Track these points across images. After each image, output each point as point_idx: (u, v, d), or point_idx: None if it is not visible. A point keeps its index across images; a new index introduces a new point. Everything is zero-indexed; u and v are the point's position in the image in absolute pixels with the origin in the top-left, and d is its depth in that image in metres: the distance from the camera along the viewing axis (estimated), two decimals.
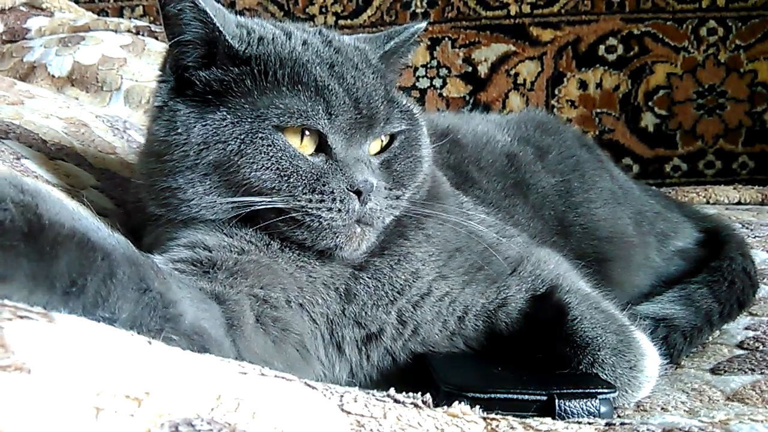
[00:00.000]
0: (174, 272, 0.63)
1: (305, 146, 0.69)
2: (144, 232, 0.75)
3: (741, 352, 0.87)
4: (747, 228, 1.53)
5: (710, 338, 0.94)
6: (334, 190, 0.68)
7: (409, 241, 0.75)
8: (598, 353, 0.68)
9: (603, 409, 0.62)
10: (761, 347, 0.86)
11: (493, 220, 0.85)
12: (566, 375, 0.67)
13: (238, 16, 0.76)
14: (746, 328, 0.94)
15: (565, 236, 0.97)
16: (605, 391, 0.62)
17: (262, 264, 0.68)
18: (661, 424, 0.52)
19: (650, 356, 0.71)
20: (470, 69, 2.19)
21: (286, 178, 0.67)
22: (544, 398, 0.60)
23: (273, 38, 0.72)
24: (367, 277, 0.72)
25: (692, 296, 0.96)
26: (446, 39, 2.18)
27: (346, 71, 0.71)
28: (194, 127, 0.68)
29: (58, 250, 0.46)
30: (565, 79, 2.18)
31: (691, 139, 2.18)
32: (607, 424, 0.53)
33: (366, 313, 0.72)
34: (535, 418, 0.54)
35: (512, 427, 0.50)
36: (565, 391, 0.61)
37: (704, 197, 1.92)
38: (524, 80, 2.19)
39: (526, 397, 0.60)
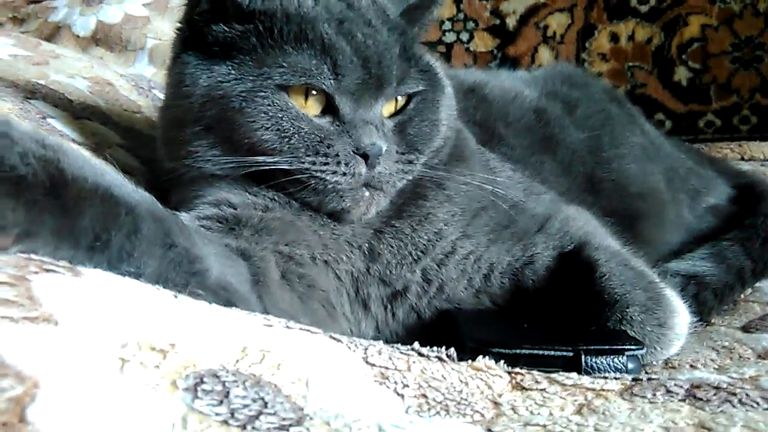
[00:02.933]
0: (200, 229, 0.63)
1: (310, 106, 0.67)
2: (170, 189, 0.76)
3: None
4: None
5: (742, 296, 0.92)
6: (339, 153, 0.66)
7: (429, 202, 0.74)
8: (627, 310, 0.67)
9: (630, 365, 0.61)
10: None
11: (519, 176, 0.83)
12: (593, 332, 0.66)
13: None
14: None
15: (595, 193, 0.96)
16: (633, 347, 0.62)
17: (286, 221, 0.69)
18: (689, 379, 0.51)
19: (680, 313, 0.70)
20: (498, 22, 2.13)
21: (287, 139, 0.65)
22: (571, 354, 0.60)
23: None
24: (390, 238, 0.72)
25: (724, 253, 0.94)
26: None
27: (356, 28, 0.68)
28: (200, 79, 0.67)
29: (82, 206, 0.47)
30: (596, 32, 2.11)
31: (725, 93, 2.10)
32: (633, 380, 0.52)
33: (390, 271, 0.72)
34: (561, 373, 0.53)
35: (537, 381, 0.50)
36: (592, 347, 0.60)
37: (738, 153, 1.86)
38: (554, 33, 2.12)
39: (552, 353, 0.60)
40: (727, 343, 0.77)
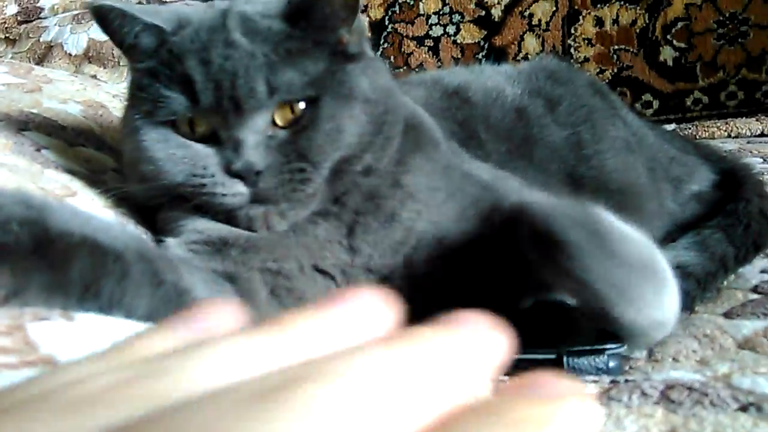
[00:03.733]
0: (186, 257, 0.66)
1: (198, 131, 0.72)
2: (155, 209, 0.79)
3: (755, 296, 0.88)
4: None
5: (725, 282, 0.95)
6: (215, 174, 0.69)
7: (390, 201, 0.74)
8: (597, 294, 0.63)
9: (611, 364, 0.64)
10: None
11: (486, 166, 0.84)
12: (576, 332, 0.69)
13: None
14: (762, 271, 0.95)
15: (576, 189, 0.98)
16: (613, 346, 0.65)
17: (272, 236, 0.72)
18: (664, 380, 0.54)
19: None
20: (483, 13, 2.15)
21: (170, 162, 0.71)
22: (554, 356, 0.63)
23: (156, 35, 0.74)
24: (363, 233, 0.74)
25: (706, 241, 0.97)
26: None
27: (214, 51, 0.70)
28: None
29: (70, 260, 0.49)
30: (580, 17, 2.12)
31: (711, 70, 2.12)
32: (611, 382, 0.55)
33: (373, 262, 0.74)
34: None
35: None
36: (573, 348, 0.63)
37: (726, 131, 1.89)
38: (539, 21, 2.14)
39: (536, 356, 0.62)
40: (708, 332, 0.80)
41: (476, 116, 0.99)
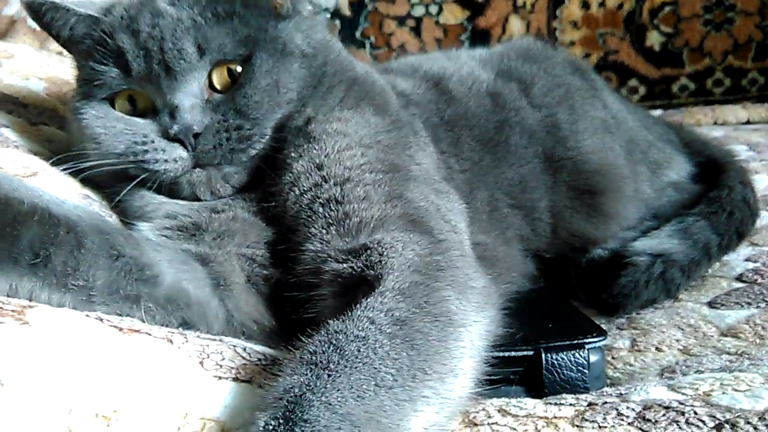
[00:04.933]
0: (152, 239, 0.63)
1: (139, 107, 0.73)
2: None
3: (739, 285, 0.86)
4: (754, 150, 1.50)
5: (710, 270, 0.93)
6: (154, 140, 0.69)
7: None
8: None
9: (593, 358, 0.62)
10: (759, 280, 0.85)
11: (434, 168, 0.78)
12: (556, 326, 0.66)
13: None
14: (746, 260, 0.93)
15: (555, 172, 0.95)
16: (594, 339, 0.62)
17: (245, 220, 0.69)
18: (642, 401, 0.51)
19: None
20: None
21: (111, 137, 0.71)
22: (531, 353, 0.60)
23: (88, 23, 0.74)
24: None
25: (690, 229, 0.94)
26: None
27: (142, 21, 0.71)
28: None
29: (19, 227, 0.47)
30: (566, 0, 2.09)
31: (698, 56, 2.10)
32: (588, 404, 0.52)
33: None
34: (514, 403, 0.53)
35: (489, 416, 0.50)
36: (551, 344, 0.60)
37: (712, 118, 1.87)
38: (524, 2, 2.10)
39: (513, 354, 0.60)
40: (693, 321, 0.78)
41: (456, 112, 0.94)
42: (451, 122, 0.92)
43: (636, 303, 0.84)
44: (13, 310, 0.42)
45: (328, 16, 2.06)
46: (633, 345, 0.75)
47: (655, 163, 1.08)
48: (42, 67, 1.18)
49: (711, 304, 0.82)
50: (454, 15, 2.12)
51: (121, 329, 0.46)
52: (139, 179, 0.71)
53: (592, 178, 0.97)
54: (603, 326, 0.75)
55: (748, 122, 1.86)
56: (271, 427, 0.36)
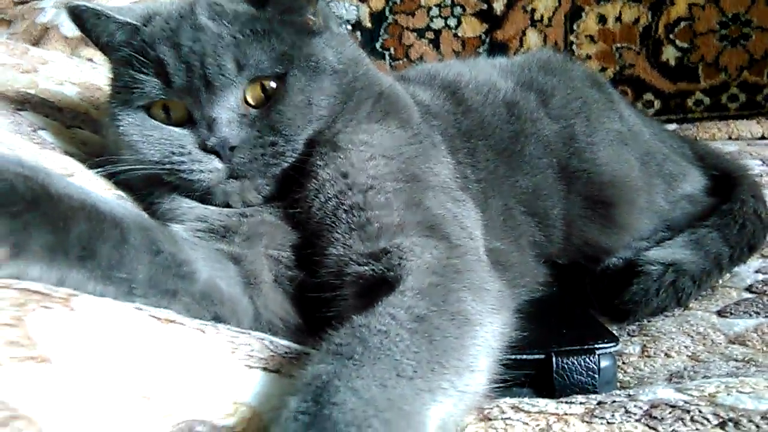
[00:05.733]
0: (189, 237, 0.66)
1: (174, 117, 0.75)
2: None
3: (749, 295, 0.88)
4: (767, 165, 1.52)
5: (720, 281, 0.95)
6: (191, 151, 0.72)
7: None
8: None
9: (604, 363, 0.64)
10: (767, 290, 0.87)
11: (451, 177, 0.81)
12: (568, 331, 0.68)
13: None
14: (756, 272, 0.95)
15: (569, 182, 0.97)
16: (605, 345, 0.64)
17: (272, 224, 0.72)
18: (650, 400, 0.53)
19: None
20: (485, 6, 2.13)
21: (148, 144, 0.74)
22: (542, 357, 0.62)
23: (129, 31, 0.77)
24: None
25: (702, 240, 0.97)
26: None
27: (184, 35, 0.73)
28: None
29: (69, 222, 0.50)
30: (583, 14, 2.11)
31: (713, 71, 2.11)
32: (598, 403, 0.54)
33: None
34: (527, 401, 0.55)
35: (503, 411, 0.52)
36: (562, 348, 0.63)
37: (726, 133, 1.88)
38: (541, 16, 2.13)
39: (525, 356, 0.62)
40: (702, 329, 0.81)
41: (472, 122, 0.97)
42: (468, 133, 0.95)
43: (646, 310, 0.87)
44: (60, 298, 0.45)
45: (350, 27, 2.10)
46: (643, 351, 0.77)
47: (670, 176, 1.10)
48: (75, 73, 1.22)
49: (720, 313, 0.84)
50: (472, 28, 2.15)
51: (158, 318, 0.49)
52: (174, 185, 0.74)
53: (607, 189, 1.00)
54: (614, 331, 0.78)
55: (762, 137, 1.87)
56: (302, 408, 0.39)
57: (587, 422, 0.50)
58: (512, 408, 0.53)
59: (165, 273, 0.57)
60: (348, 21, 2.11)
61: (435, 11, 2.15)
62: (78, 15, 0.79)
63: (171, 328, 0.49)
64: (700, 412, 0.51)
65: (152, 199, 0.76)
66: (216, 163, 0.72)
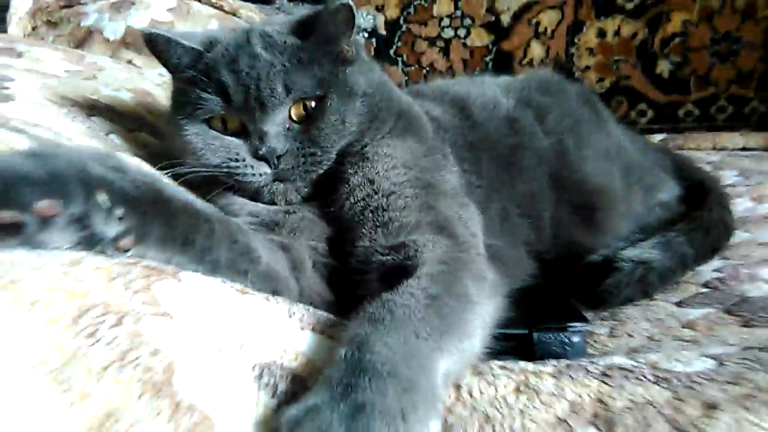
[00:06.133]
0: (251, 229, 0.82)
1: (230, 128, 0.90)
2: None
3: (705, 290, 1.04)
4: (743, 176, 1.66)
5: (684, 278, 1.11)
6: (245, 158, 0.88)
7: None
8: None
9: (575, 339, 0.80)
10: (720, 287, 1.03)
11: (456, 184, 0.96)
12: (547, 311, 0.84)
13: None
14: (714, 270, 1.11)
15: (559, 189, 1.13)
16: (576, 324, 0.80)
17: (311, 219, 0.88)
18: (606, 365, 0.68)
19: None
20: (493, 18, 2.29)
21: (208, 153, 0.89)
22: (526, 332, 0.78)
23: (193, 55, 0.92)
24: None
25: (670, 243, 1.12)
26: None
27: (242, 62, 0.88)
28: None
29: (176, 218, 0.65)
30: (584, 27, 2.27)
31: (704, 84, 2.26)
32: (566, 365, 0.69)
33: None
34: (511, 362, 0.70)
35: (491, 368, 0.67)
36: (542, 325, 0.79)
37: (711, 143, 2.04)
38: (545, 29, 2.28)
39: (512, 331, 0.77)
40: (661, 316, 0.96)
41: (477, 136, 1.12)
42: (473, 144, 1.11)
43: (618, 300, 1.02)
44: (170, 273, 0.61)
45: (366, 35, 2.26)
46: (611, 332, 0.93)
47: (648, 186, 1.26)
48: (126, 79, 1.38)
49: (678, 304, 1.00)
50: (480, 38, 2.30)
51: (237, 290, 0.66)
52: (228, 185, 0.89)
53: (592, 197, 1.16)
54: (590, 316, 0.94)
55: (744, 148, 2.02)
56: (350, 354, 0.55)
57: (555, 377, 0.66)
58: (500, 367, 0.69)
59: (239, 257, 0.72)
60: (365, 29, 2.27)
61: (446, 21, 2.31)
62: (152, 40, 0.94)
63: (246, 296, 0.66)
64: (642, 373, 0.66)
65: (211, 197, 0.91)
66: (265, 169, 0.87)
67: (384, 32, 2.32)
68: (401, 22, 2.32)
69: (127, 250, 0.60)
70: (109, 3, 1.94)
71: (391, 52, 2.33)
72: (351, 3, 0.90)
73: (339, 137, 0.90)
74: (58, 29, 1.94)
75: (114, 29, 1.84)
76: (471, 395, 0.64)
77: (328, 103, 0.89)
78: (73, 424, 0.44)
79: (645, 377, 0.66)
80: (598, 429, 0.57)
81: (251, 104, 0.87)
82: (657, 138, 2.04)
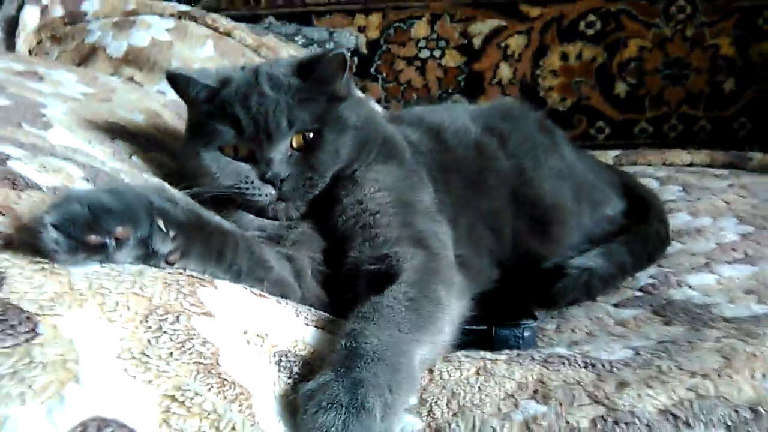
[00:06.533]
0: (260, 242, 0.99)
1: (240, 154, 1.06)
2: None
3: (639, 294, 1.22)
4: (685, 191, 1.82)
5: (623, 283, 1.29)
6: (254, 181, 1.04)
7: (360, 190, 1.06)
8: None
9: (526, 333, 0.97)
10: (652, 291, 1.22)
11: (431, 204, 1.13)
12: (504, 310, 1.02)
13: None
14: (649, 277, 1.29)
15: (518, 206, 1.30)
16: (527, 322, 0.98)
17: (309, 234, 1.05)
18: (548, 353, 0.85)
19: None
20: (466, 41, 2.48)
21: (220, 176, 1.05)
22: (486, 328, 0.96)
23: (209, 91, 1.08)
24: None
25: (612, 252, 1.29)
26: (446, 14, 2.46)
27: (252, 99, 1.04)
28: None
29: (212, 236, 0.81)
30: (548, 51, 2.47)
31: (657, 104, 2.48)
32: (517, 354, 0.86)
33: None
34: (475, 351, 0.87)
35: (458, 356, 0.84)
36: (500, 323, 0.96)
37: (661, 159, 2.21)
38: (513, 52, 2.48)
39: (475, 327, 0.94)
40: (600, 315, 1.14)
41: (449, 159, 1.29)
42: (445, 167, 1.28)
43: (565, 301, 1.20)
44: (208, 280, 0.77)
45: (349, 54, 2.42)
46: (557, 328, 1.11)
47: (596, 202, 1.44)
48: (137, 100, 1.52)
49: (616, 305, 1.18)
50: (453, 59, 2.49)
51: (256, 294, 0.83)
52: (238, 203, 1.05)
53: (547, 212, 1.34)
54: (542, 315, 1.13)
55: (690, 164, 2.21)
56: (348, 344, 0.72)
57: (507, 363, 0.84)
58: (464, 356, 0.87)
59: (256, 266, 0.88)
60: (349, 49, 2.44)
61: (423, 43, 2.49)
62: (174, 78, 1.10)
63: (263, 299, 0.83)
64: (575, 360, 0.84)
65: (222, 214, 1.08)
66: (270, 190, 1.04)
67: (365, 51, 2.49)
68: (381, 42, 2.49)
69: (173, 263, 0.77)
70: (111, 22, 2.07)
71: (372, 70, 2.50)
72: (345, 52, 1.07)
73: (333, 164, 1.07)
74: (62, 45, 2.06)
75: (117, 47, 1.97)
76: (441, 377, 0.81)
77: (324, 136, 1.06)
78: (152, 394, 0.60)
79: (577, 363, 0.84)
80: (537, 401, 0.75)
81: (260, 135, 1.04)
82: (612, 154, 2.22)
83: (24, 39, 2.01)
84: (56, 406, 0.53)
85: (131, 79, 1.93)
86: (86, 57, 2.00)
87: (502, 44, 2.46)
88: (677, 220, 1.57)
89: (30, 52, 2.01)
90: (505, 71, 2.48)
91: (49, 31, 2.09)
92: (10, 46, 2.00)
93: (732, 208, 1.61)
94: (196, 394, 0.62)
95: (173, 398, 0.60)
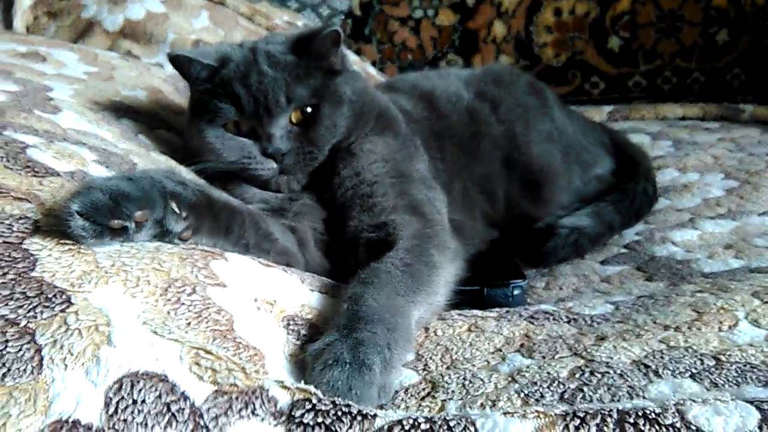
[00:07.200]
0: (265, 214, 1.05)
1: (242, 131, 1.11)
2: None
3: (624, 251, 1.29)
4: (675, 146, 1.88)
5: (611, 241, 1.36)
6: (256, 156, 1.09)
7: (358, 161, 1.12)
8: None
9: (515, 292, 1.05)
10: (637, 248, 1.29)
11: (426, 171, 1.19)
12: (495, 271, 1.10)
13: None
14: (636, 233, 1.36)
15: (510, 169, 1.37)
16: (516, 281, 1.06)
17: (311, 205, 1.11)
18: (534, 310, 0.92)
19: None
20: (459, 0, 2.49)
21: (225, 151, 1.10)
22: (477, 288, 1.03)
23: (210, 70, 1.12)
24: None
25: (600, 211, 1.36)
26: None
27: (252, 77, 1.09)
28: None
29: (220, 214, 0.88)
30: (542, 8, 2.47)
31: (651, 58, 2.50)
32: (506, 311, 0.94)
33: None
34: (468, 310, 0.94)
35: (452, 315, 0.91)
36: (490, 283, 1.04)
37: (654, 114, 2.25)
38: (506, 9, 2.48)
39: (468, 288, 1.01)
40: (587, 272, 1.22)
41: (443, 126, 1.34)
42: (439, 134, 1.34)
43: (555, 259, 1.27)
44: (219, 254, 0.84)
45: (342, 17, 2.44)
46: (546, 285, 1.19)
47: (585, 163, 1.50)
48: (137, 77, 1.56)
49: (602, 263, 1.26)
50: (447, 18, 2.50)
51: (264, 264, 0.90)
52: (242, 177, 1.11)
53: (537, 174, 1.40)
54: (532, 273, 1.20)
55: (683, 118, 2.25)
56: (349, 307, 0.79)
57: (497, 320, 0.92)
58: (457, 314, 0.94)
59: (263, 239, 0.95)
60: (342, 12, 2.45)
61: (416, 2, 2.50)
62: (176, 60, 1.14)
63: (270, 269, 0.90)
64: (559, 315, 0.92)
65: (227, 187, 1.14)
66: (272, 164, 1.09)
67: (359, 13, 2.51)
68: (375, 3, 2.50)
69: (186, 239, 0.83)
70: None
71: (366, 31, 2.52)
72: (338, 29, 1.11)
73: (331, 137, 1.12)
74: (58, 20, 2.08)
75: (113, 21, 2.00)
76: (435, 334, 0.89)
77: (322, 111, 1.11)
78: (180, 348, 0.67)
79: (561, 318, 0.91)
80: (522, 354, 0.82)
81: (260, 112, 1.09)
82: (607, 109, 2.26)
83: (21, 16, 2.03)
84: (94, 368, 0.61)
85: (129, 52, 1.96)
86: (83, 32, 2.02)
87: (495, 1, 2.47)
88: (665, 176, 1.63)
89: (27, 29, 2.04)
90: (499, 29, 2.49)
91: (44, 7, 2.10)
92: (8, 23, 2.03)
93: (719, 163, 1.66)
94: (215, 356, 0.69)
95: (195, 358, 0.67)
